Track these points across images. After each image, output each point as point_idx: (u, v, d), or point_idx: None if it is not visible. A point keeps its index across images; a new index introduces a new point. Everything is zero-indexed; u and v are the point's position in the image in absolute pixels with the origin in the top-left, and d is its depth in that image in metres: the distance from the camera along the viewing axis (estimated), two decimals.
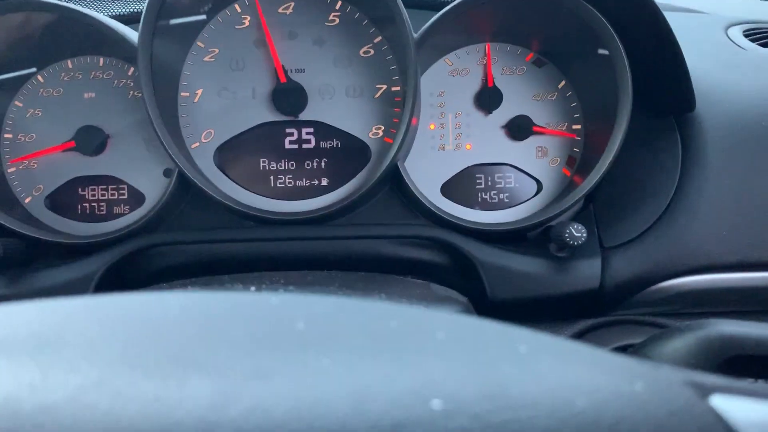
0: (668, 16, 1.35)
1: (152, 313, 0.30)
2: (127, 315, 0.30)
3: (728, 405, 0.24)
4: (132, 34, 0.93)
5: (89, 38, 0.95)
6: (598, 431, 0.22)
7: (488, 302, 0.91)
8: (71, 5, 0.90)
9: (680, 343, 0.62)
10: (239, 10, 0.97)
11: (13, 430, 0.21)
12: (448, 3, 1.06)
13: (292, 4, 0.97)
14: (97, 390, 0.23)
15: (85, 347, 0.26)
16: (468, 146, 1.00)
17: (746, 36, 1.17)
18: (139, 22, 0.88)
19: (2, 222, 0.90)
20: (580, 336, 1.01)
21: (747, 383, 0.28)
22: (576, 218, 0.94)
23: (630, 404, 0.23)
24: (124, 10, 1.09)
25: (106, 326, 0.28)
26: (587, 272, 0.89)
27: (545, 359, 0.26)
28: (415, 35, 0.89)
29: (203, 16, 0.96)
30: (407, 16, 0.87)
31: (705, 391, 0.25)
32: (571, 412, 0.22)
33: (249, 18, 0.97)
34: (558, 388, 0.24)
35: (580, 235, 0.85)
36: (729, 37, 1.16)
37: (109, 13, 1.07)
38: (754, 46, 1.12)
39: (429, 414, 0.22)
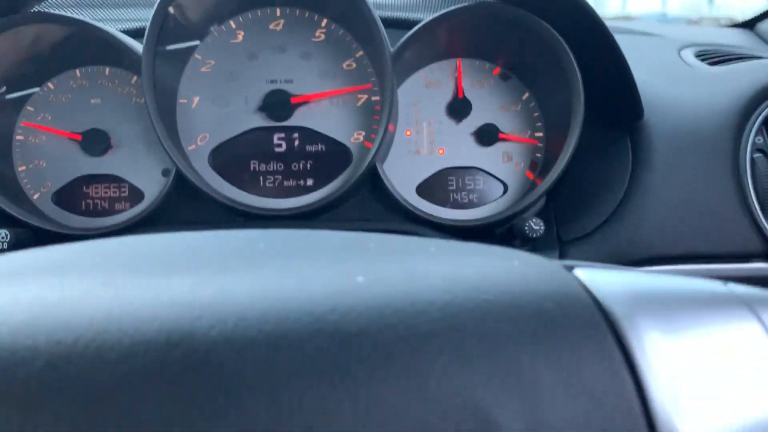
0: (626, 37, 1.47)
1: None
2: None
3: (585, 274, 0.34)
4: (137, 46, 1.02)
5: (97, 50, 1.04)
6: (488, 290, 0.31)
7: None
8: (82, 18, 1.00)
9: None
10: (234, 26, 1.07)
11: None
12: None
13: (282, 21, 1.07)
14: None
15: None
16: (441, 151, 1.09)
17: (697, 56, 1.28)
18: (142, 36, 0.98)
19: (14, 213, 0.98)
20: None
21: (602, 265, 0.38)
22: (537, 216, 1.04)
23: (510, 271, 0.33)
24: (130, 26, 1.19)
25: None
26: None
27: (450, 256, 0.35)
28: (392, 50, 0.99)
29: (197, 42, 1.06)
30: (385, 34, 0.97)
31: (570, 267, 0.35)
32: (463, 278, 0.31)
33: (243, 33, 1.07)
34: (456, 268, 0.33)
35: (538, 228, 0.95)
36: (681, 57, 1.27)
37: (117, 28, 1.16)
38: (702, 64, 1.23)
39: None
